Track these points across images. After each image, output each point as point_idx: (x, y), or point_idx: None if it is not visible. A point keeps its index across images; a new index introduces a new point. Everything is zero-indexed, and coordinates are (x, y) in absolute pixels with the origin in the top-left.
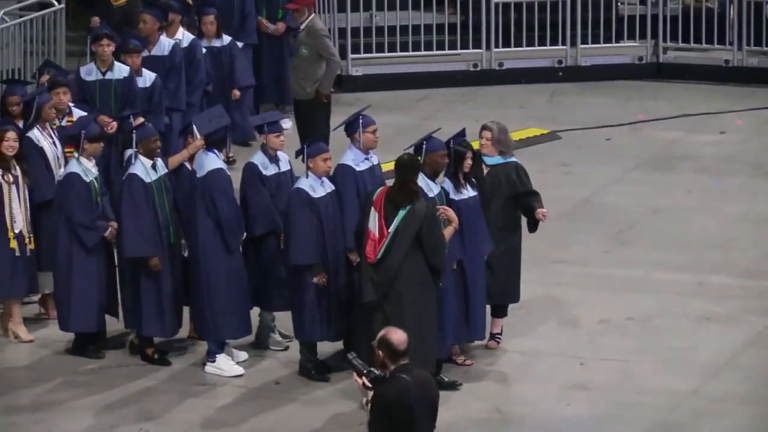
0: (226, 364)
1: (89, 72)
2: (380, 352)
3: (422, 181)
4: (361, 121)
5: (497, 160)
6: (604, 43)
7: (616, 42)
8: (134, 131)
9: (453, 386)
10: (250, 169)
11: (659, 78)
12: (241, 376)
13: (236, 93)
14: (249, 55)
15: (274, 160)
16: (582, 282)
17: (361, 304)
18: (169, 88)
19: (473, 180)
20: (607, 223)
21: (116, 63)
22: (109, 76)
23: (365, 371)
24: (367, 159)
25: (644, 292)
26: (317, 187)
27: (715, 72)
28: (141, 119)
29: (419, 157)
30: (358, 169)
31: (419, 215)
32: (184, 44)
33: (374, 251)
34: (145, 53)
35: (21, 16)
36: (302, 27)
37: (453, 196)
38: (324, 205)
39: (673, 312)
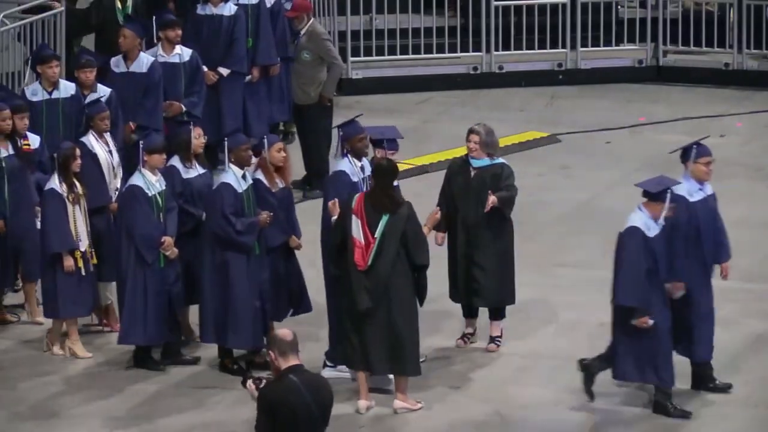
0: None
1: (35, 92)
2: (271, 353)
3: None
4: (694, 150)
5: (485, 162)
6: (604, 46)
7: (616, 45)
8: (226, 139)
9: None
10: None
11: (659, 81)
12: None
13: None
14: (239, 85)
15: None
16: (582, 285)
17: (358, 312)
18: (146, 106)
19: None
20: (607, 226)
21: (62, 81)
22: (55, 95)
23: (257, 377)
24: (701, 190)
25: None
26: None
27: (715, 75)
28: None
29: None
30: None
31: (403, 217)
32: (185, 58)
33: (363, 258)
34: (123, 69)
35: (21, 19)
36: (303, 32)
37: None
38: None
39: None
